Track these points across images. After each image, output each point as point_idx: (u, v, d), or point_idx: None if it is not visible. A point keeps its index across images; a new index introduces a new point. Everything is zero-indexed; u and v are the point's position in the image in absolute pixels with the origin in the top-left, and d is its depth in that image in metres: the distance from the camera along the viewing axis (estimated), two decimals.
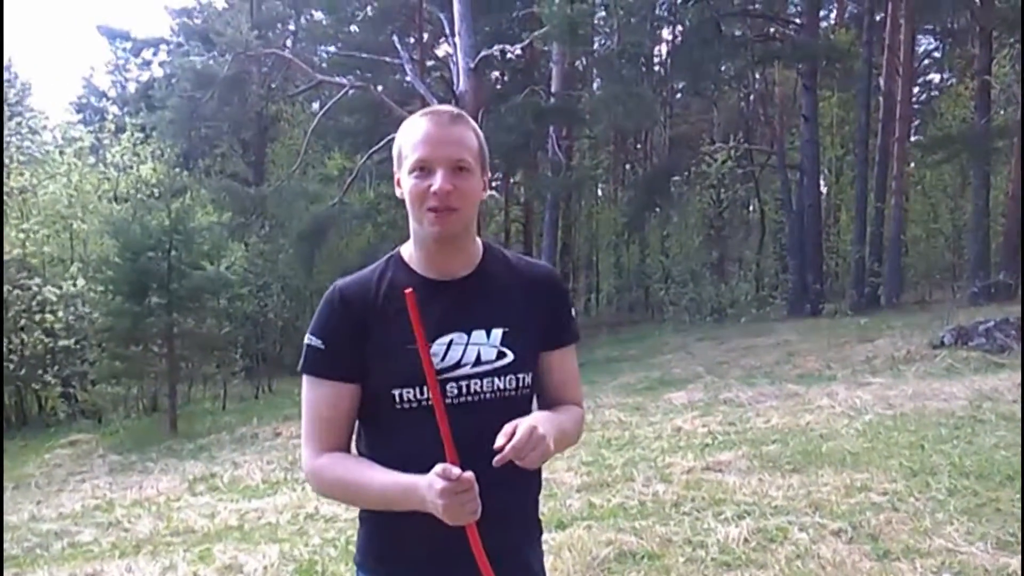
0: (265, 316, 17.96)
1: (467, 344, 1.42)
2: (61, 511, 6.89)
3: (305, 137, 17.21)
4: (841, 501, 4.21)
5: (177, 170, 15.52)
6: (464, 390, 1.41)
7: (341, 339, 1.41)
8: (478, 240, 1.52)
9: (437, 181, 1.36)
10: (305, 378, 1.46)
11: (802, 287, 18.87)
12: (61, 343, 14.21)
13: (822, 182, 23.42)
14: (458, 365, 1.41)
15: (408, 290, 1.31)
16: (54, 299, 13.53)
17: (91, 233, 15.65)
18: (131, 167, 17.30)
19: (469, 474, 1.25)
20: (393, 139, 1.55)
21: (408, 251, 1.50)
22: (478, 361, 1.42)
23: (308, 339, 1.44)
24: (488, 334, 1.44)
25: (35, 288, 13.54)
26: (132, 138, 17.56)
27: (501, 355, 1.44)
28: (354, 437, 1.50)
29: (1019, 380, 6.70)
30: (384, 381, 1.39)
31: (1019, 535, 3.49)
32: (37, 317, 13.94)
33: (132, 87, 32.34)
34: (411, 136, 1.41)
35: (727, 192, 22.89)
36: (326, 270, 19.79)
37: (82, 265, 13.86)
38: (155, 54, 31.48)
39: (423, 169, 1.38)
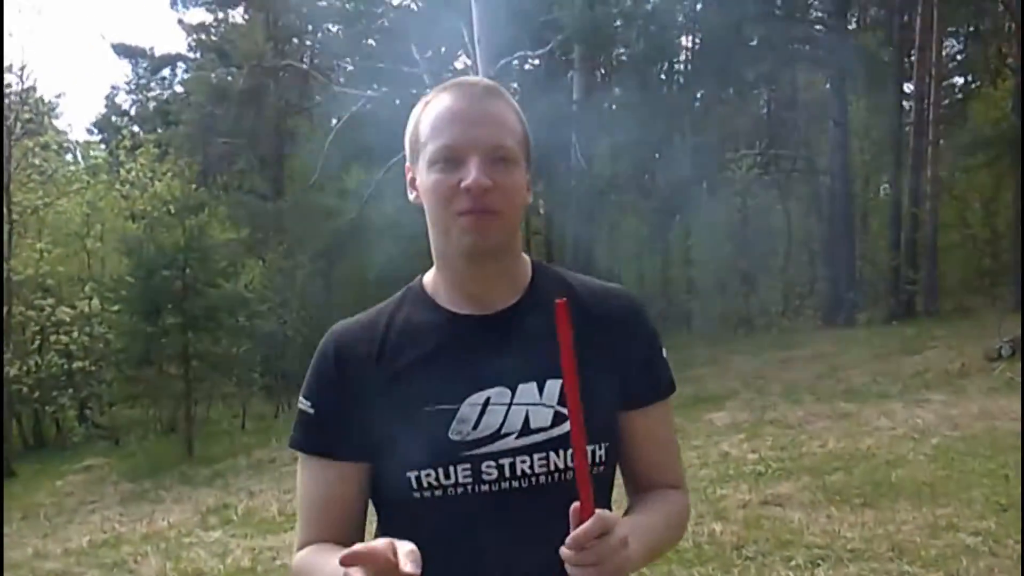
0: (285, 333, 17.64)
1: (510, 404, 1.01)
2: (67, 546, 6.51)
3: (322, 151, 16.92)
4: (928, 543, 3.71)
5: (193, 186, 15.22)
6: (507, 471, 1.00)
7: (334, 402, 1.06)
8: (525, 258, 1.10)
9: (471, 174, 0.99)
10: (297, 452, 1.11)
11: (835, 296, 18.29)
12: (77, 364, 13.98)
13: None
14: (497, 435, 1.00)
15: (561, 300, 0.85)
16: (67, 320, 13.26)
17: (108, 252, 15.40)
18: (148, 185, 17.04)
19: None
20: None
21: (431, 280, 1.12)
22: (526, 429, 1.01)
23: (299, 400, 1.11)
24: (540, 389, 1.02)
25: (48, 308, 13.28)
26: (149, 155, 17.33)
27: (559, 419, 1.01)
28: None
29: None
30: (396, 461, 1.02)
31: None
32: (52, 338, 13.70)
33: (152, 105, 32.33)
34: (431, 115, 1.05)
35: (753, 199, 22.34)
36: (346, 285, 19.49)
37: (96, 285, 13.58)
38: (172, 71, 31.48)
39: (449, 160, 1.01)
